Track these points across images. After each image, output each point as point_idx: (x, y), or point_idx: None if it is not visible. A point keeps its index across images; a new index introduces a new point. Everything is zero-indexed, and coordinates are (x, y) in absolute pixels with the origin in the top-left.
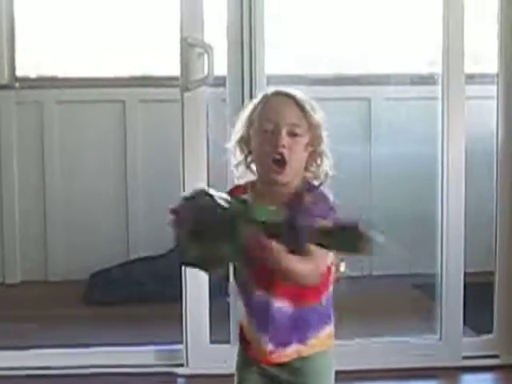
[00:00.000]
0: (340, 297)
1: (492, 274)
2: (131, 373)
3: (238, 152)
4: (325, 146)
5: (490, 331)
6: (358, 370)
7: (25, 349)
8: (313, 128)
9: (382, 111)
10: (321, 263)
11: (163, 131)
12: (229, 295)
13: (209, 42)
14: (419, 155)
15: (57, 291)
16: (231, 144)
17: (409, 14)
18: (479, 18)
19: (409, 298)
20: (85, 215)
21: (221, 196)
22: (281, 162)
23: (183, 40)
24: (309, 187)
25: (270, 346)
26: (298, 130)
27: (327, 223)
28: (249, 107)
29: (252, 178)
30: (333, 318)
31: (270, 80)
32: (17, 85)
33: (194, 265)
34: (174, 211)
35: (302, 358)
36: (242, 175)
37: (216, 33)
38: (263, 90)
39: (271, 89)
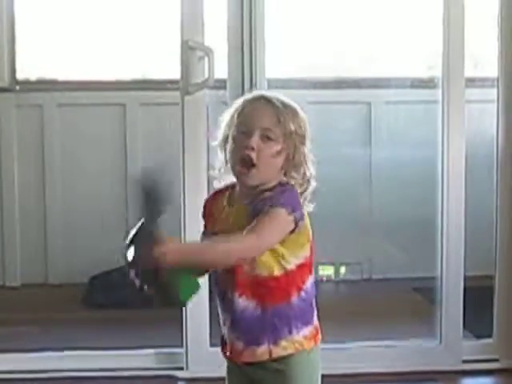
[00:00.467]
0: (340, 300)
1: (492, 277)
2: (131, 376)
3: (219, 153)
4: (302, 157)
5: (489, 335)
6: (358, 374)
7: (25, 352)
8: (287, 135)
9: (382, 115)
10: (264, 244)
11: (163, 134)
12: None
13: (209, 45)
14: (419, 158)
15: (57, 294)
16: (215, 144)
17: (409, 17)
18: (479, 21)
19: (409, 302)
20: (85, 218)
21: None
22: (248, 164)
23: (184, 43)
24: (280, 187)
25: (240, 345)
26: (271, 135)
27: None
28: (230, 110)
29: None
30: (314, 320)
31: (271, 83)
32: (17, 88)
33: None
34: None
35: (278, 359)
36: (223, 177)
37: (216, 36)
38: (256, 90)
39: (254, 92)
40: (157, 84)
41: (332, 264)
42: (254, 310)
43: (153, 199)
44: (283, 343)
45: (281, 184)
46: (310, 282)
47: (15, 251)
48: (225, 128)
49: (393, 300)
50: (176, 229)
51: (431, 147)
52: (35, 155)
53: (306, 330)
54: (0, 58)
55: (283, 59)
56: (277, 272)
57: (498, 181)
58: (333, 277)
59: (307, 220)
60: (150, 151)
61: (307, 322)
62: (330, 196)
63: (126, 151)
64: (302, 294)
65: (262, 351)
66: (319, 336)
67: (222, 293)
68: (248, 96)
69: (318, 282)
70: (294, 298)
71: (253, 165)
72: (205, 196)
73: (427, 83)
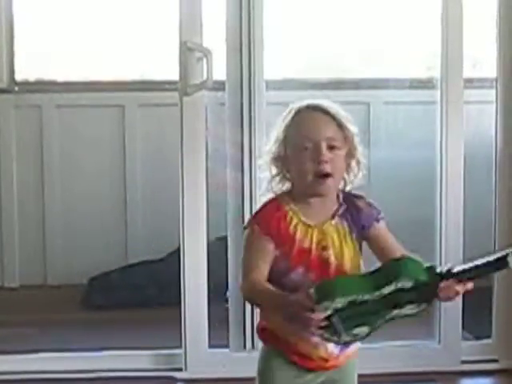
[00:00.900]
0: None
1: (491, 278)
2: (130, 377)
3: (273, 169)
4: (359, 155)
5: (488, 336)
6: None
7: (24, 353)
8: (348, 139)
9: (381, 115)
10: None
11: (162, 135)
12: (227, 300)
13: (208, 46)
14: (418, 159)
15: (56, 295)
16: (264, 161)
17: (408, 18)
18: (478, 22)
19: None
20: (84, 219)
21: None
22: (325, 176)
23: (182, 44)
24: (352, 195)
25: (336, 350)
26: (336, 143)
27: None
28: (281, 125)
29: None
30: None
31: (269, 84)
32: (16, 89)
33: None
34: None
35: (351, 359)
36: (275, 189)
37: (215, 37)
38: (261, 96)
39: (300, 103)
40: (155, 85)
41: None
42: None
43: None
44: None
45: (347, 192)
46: None
47: (14, 252)
48: (279, 145)
49: None
50: (175, 229)
51: (430, 148)
52: (34, 156)
53: None
54: None
55: (282, 60)
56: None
57: (496, 181)
58: None
59: None
60: (149, 152)
61: None
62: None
63: (124, 152)
64: None
65: (350, 351)
66: None
67: None
68: (297, 109)
69: None
70: None
71: (327, 175)
72: (203, 197)
73: (426, 84)
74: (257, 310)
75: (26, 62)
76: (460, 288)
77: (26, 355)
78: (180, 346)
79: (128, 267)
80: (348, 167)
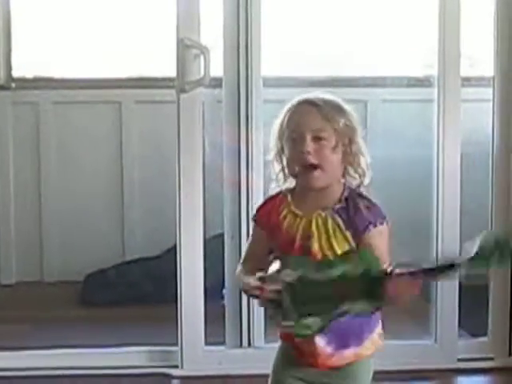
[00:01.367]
0: None
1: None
2: (126, 374)
3: (275, 164)
4: (357, 148)
5: (484, 334)
6: None
7: (20, 350)
8: (338, 131)
9: (378, 113)
10: None
11: (159, 132)
12: (224, 297)
13: (205, 43)
14: (415, 157)
15: (52, 292)
16: (271, 157)
17: (405, 16)
18: (475, 20)
19: None
20: (80, 216)
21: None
22: (311, 167)
23: (179, 41)
24: (356, 193)
25: (329, 350)
26: (322, 134)
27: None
28: (277, 121)
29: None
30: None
31: (266, 81)
32: (13, 85)
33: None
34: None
35: (354, 362)
36: (281, 185)
37: (212, 34)
38: (259, 93)
39: (296, 99)
40: (152, 82)
41: None
42: None
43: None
44: (366, 344)
45: (353, 189)
46: None
47: (10, 249)
48: (277, 140)
49: None
50: (172, 226)
51: (427, 146)
52: (31, 153)
53: (379, 327)
54: None
55: (279, 58)
56: None
57: (493, 180)
58: None
59: None
60: (146, 149)
61: (379, 319)
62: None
63: (121, 149)
64: None
65: (349, 354)
66: None
67: None
68: (291, 104)
69: None
70: None
71: (315, 167)
72: (200, 194)
73: (423, 82)
74: (253, 308)
75: (23, 59)
76: (405, 289)
77: (21, 352)
78: (176, 343)
79: (124, 264)
80: (345, 161)
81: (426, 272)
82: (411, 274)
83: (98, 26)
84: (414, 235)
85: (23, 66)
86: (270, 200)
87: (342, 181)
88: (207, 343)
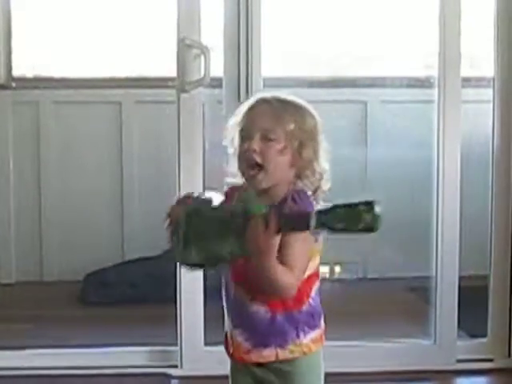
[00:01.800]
0: (335, 299)
1: (487, 277)
2: (125, 373)
3: (233, 160)
4: (309, 152)
5: (484, 335)
6: (352, 373)
7: (19, 349)
8: (289, 133)
9: (378, 114)
10: (300, 276)
11: (159, 132)
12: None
13: (206, 43)
14: (415, 158)
15: (52, 291)
16: (231, 151)
17: (405, 17)
18: (476, 21)
19: (403, 301)
20: (80, 216)
21: (210, 198)
22: (254, 167)
23: (180, 41)
24: (294, 193)
25: (247, 346)
26: (271, 135)
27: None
28: (235, 117)
29: None
30: (321, 323)
31: (267, 82)
32: (13, 85)
33: (194, 265)
34: (168, 215)
35: (284, 361)
36: (238, 180)
37: (213, 34)
38: (258, 93)
39: (255, 96)
40: (153, 82)
41: (327, 263)
42: (265, 314)
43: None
44: (290, 347)
45: (296, 191)
46: (317, 286)
47: (10, 248)
48: (232, 131)
49: (387, 299)
50: None
51: (427, 147)
52: (31, 152)
53: (313, 334)
54: None
55: (279, 58)
56: None
57: (493, 181)
58: (327, 276)
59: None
60: (146, 149)
61: (315, 325)
62: (324, 195)
63: (121, 149)
64: (311, 299)
65: (269, 353)
66: (323, 337)
67: (231, 294)
68: (249, 100)
69: None
70: (305, 305)
71: (259, 166)
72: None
73: (423, 83)
74: None
75: (23, 59)
76: (257, 233)
77: (21, 351)
78: (176, 343)
79: (124, 264)
80: (295, 164)
81: (285, 220)
82: (266, 221)
83: (98, 26)
84: (414, 235)
85: (23, 66)
86: (230, 189)
87: (299, 183)
88: (206, 343)
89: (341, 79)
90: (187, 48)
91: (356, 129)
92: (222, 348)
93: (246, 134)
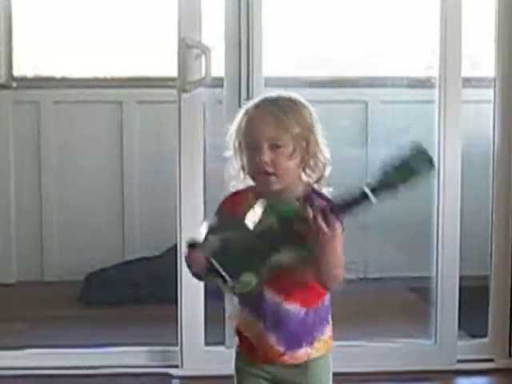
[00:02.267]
0: (335, 299)
1: (487, 277)
2: (126, 373)
3: (234, 162)
4: (314, 146)
5: (484, 335)
6: (352, 373)
7: (20, 349)
8: (295, 136)
9: (378, 114)
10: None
11: (160, 132)
12: (224, 298)
13: (206, 43)
14: None
15: (52, 292)
16: (230, 153)
17: (406, 17)
18: (476, 21)
19: (404, 301)
20: (81, 216)
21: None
22: (269, 175)
23: (181, 41)
24: (315, 192)
25: (281, 348)
26: (279, 142)
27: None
28: (237, 118)
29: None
30: (330, 318)
31: (268, 82)
32: (14, 84)
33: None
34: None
35: (309, 361)
36: (242, 182)
37: (214, 34)
38: (260, 93)
39: (257, 98)
40: (154, 82)
41: None
42: (299, 311)
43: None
44: (317, 345)
45: (313, 189)
46: None
47: (11, 248)
48: (235, 137)
49: (388, 299)
50: (172, 226)
51: (427, 147)
52: (31, 152)
53: (329, 329)
54: None
55: (280, 58)
56: None
57: (493, 181)
58: None
59: None
60: (146, 149)
61: (329, 320)
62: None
63: (122, 148)
64: (327, 294)
65: (302, 354)
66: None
67: (264, 299)
68: (251, 102)
69: None
70: (325, 299)
71: (274, 175)
72: (201, 194)
73: (424, 83)
74: None
75: (24, 58)
76: (323, 223)
77: (22, 351)
78: (176, 343)
79: (125, 264)
80: (304, 162)
81: (339, 207)
82: (323, 211)
83: (99, 26)
84: (415, 235)
85: (24, 65)
86: (236, 194)
87: (304, 177)
88: (207, 343)
89: (341, 79)
90: (188, 48)
91: (357, 129)
92: (222, 348)
93: (253, 145)
